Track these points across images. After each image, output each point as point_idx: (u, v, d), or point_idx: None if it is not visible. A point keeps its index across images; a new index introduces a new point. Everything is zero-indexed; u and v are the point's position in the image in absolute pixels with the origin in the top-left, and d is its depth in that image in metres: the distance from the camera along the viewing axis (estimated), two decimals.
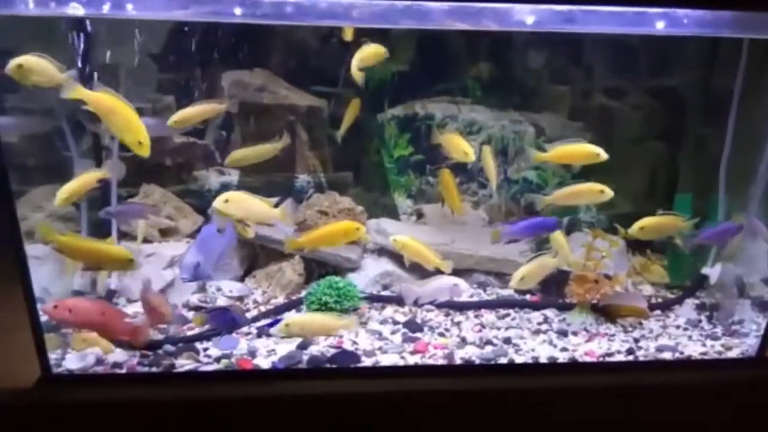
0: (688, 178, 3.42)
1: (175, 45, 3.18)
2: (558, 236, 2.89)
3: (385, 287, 3.20)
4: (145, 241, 3.16)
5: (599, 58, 3.59)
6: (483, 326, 2.85)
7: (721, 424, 2.47)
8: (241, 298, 3.05)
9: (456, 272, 2.83)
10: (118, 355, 2.43)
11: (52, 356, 2.33)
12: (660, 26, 2.26)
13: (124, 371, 2.37)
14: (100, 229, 2.90)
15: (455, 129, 3.44)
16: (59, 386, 2.29)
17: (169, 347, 2.50)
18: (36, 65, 2.23)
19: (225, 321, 2.61)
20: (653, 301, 3.18)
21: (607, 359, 2.61)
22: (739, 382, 2.50)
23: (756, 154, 2.89)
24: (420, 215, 3.62)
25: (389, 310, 2.99)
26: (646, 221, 2.75)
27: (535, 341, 2.72)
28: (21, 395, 2.23)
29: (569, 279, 2.99)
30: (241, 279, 3.22)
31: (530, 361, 2.56)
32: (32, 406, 2.21)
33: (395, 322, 2.86)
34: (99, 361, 2.39)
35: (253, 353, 2.52)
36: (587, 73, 3.69)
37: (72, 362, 2.37)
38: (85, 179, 2.55)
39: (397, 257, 3.15)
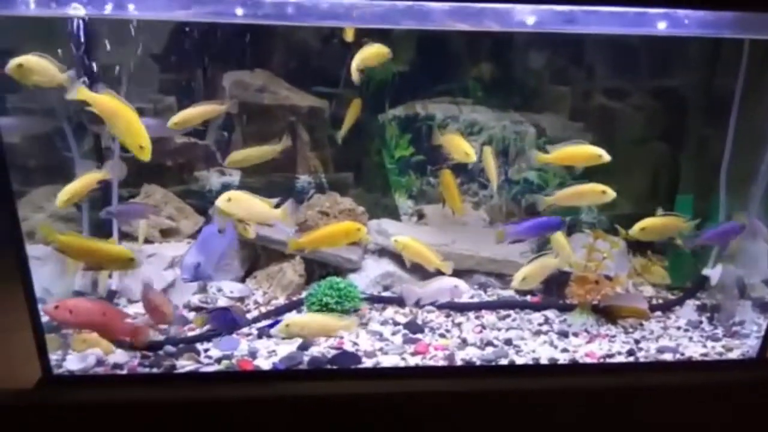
0: (689, 179, 3.42)
1: (177, 45, 3.18)
2: (559, 237, 2.89)
3: (386, 288, 3.20)
4: (146, 241, 3.17)
5: (600, 58, 3.59)
6: (484, 327, 2.85)
7: (721, 425, 2.47)
8: (241, 299, 3.05)
9: (456, 273, 2.82)
10: (119, 356, 2.43)
11: (53, 357, 2.33)
12: (661, 27, 2.26)
13: (124, 372, 2.37)
14: (102, 230, 2.91)
15: (456, 129, 3.43)
16: (60, 387, 2.29)
17: (169, 348, 2.50)
18: (36, 65, 2.23)
19: (225, 322, 2.61)
20: (654, 302, 3.17)
21: (608, 360, 2.61)
22: (740, 383, 2.50)
23: (757, 154, 2.89)
24: (421, 216, 3.62)
25: (390, 311, 2.99)
26: (647, 222, 2.74)
27: (535, 342, 2.72)
28: (22, 396, 2.23)
29: (570, 280, 2.99)
30: (242, 280, 3.22)
31: (531, 362, 2.56)
32: (33, 406, 2.21)
33: (396, 323, 2.85)
34: (100, 362, 2.39)
35: (253, 354, 2.52)
36: (588, 73, 3.69)
37: (73, 363, 2.37)
38: (85, 180, 2.55)
39: (398, 258, 3.15)
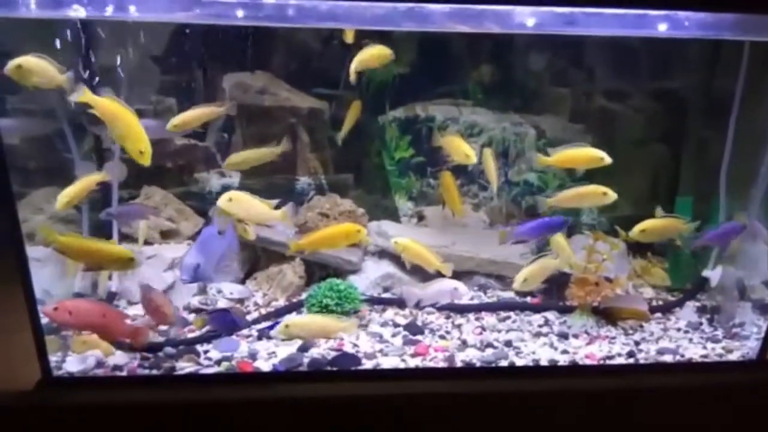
0: (689, 181, 3.42)
1: (177, 47, 3.18)
2: (558, 238, 2.89)
3: (386, 289, 3.20)
4: (146, 243, 3.17)
5: (600, 60, 3.59)
6: (484, 329, 2.85)
7: (721, 426, 2.47)
8: (241, 301, 3.05)
9: (456, 274, 2.83)
10: (119, 357, 2.43)
11: (53, 359, 2.32)
12: (661, 29, 2.26)
13: (124, 374, 2.37)
14: (102, 232, 2.91)
15: (456, 131, 3.42)
16: (59, 389, 2.28)
17: (169, 350, 2.50)
18: (36, 66, 2.23)
19: (225, 322, 2.60)
20: (654, 303, 3.17)
21: (608, 362, 2.61)
22: (740, 384, 2.50)
23: (757, 156, 2.89)
24: (421, 217, 3.61)
25: (390, 313, 2.99)
26: (647, 224, 2.75)
27: (535, 344, 2.72)
28: (21, 397, 2.23)
29: (570, 281, 2.99)
30: (242, 281, 3.21)
31: (531, 363, 2.56)
32: (32, 408, 2.21)
33: (396, 325, 2.85)
34: (99, 364, 2.39)
35: (253, 356, 2.52)
36: (588, 75, 3.69)
37: (72, 365, 2.37)
38: (85, 182, 2.56)
39: (398, 260, 3.15)
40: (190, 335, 2.64)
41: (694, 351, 2.70)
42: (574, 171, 2.80)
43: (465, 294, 2.83)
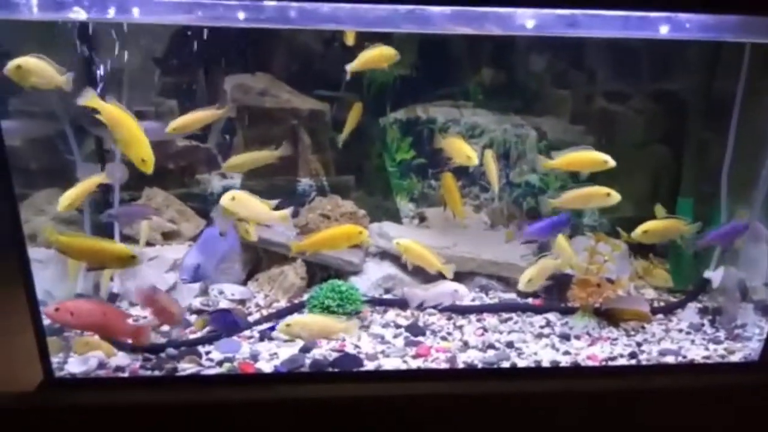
0: (690, 182, 3.42)
1: (178, 49, 3.18)
2: (560, 239, 2.89)
3: (388, 291, 3.20)
4: (148, 244, 3.17)
5: (601, 62, 3.59)
6: (485, 330, 2.85)
7: (723, 428, 2.47)
8: (243, 302, 3.05)
9: (458, 276, 2.82)
10: (121, 358, 2.44)
11: (55, 360, 2.33)
12: (663, 31, 2.26)
13: (126, 375, 2.37)
14: (103, 233, 2.90)
15: (457, 133, 3.43)
16: (61, 390, 2.29)
17: (171, 351, 2.50)
18: (35, 66, 2.23)
19: (226, 323, 2.60)
20: (656, 304, 3.17)
21: (610, 363, 2.60)
22: (742, 386, 2.50)
23: (758, 158, 2.89)
24: (422, 219, 3.62)
25: (391, 314, 2.98)
26: (649, 225, 2.74)
27: (537, 345, 2.72)
28: (23, 399, 2.23)
29: (572, 283, 2.99)
30: (244, 282, 3.22)
31: (533, 365, 2.56)
32: (34, 409, 2.21)
33: (397, 326, 2.85)
34: (101, 365, 2.40)
35: (255, 357, 2.52)
36: (589, 76, 3.69)
37: (74, 366, 2.37)
38: (86, 184, 2.56)
39: (399, 261, 3.14)
40: (191, 336, 2.64)
41: (696, 352, 2.70)
42: (577, 173, 2.79)
43: (466, 296, 2.83)
